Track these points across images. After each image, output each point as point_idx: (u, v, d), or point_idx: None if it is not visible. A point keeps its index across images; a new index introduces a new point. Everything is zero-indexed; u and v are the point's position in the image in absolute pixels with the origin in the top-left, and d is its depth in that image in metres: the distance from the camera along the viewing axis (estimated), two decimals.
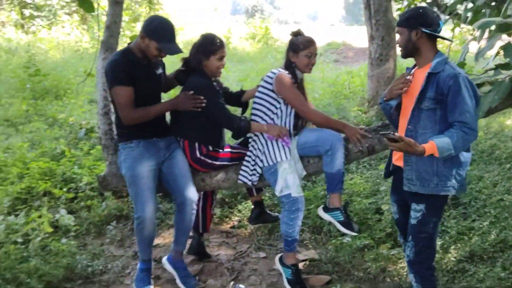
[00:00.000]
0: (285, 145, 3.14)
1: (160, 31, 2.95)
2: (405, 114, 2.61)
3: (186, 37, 14.23)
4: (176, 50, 2.99)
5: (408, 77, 2.58)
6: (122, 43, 5.59)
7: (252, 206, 3.74)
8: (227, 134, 3.37)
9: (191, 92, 3.09)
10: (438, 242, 3.51)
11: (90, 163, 4.78)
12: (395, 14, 7.00)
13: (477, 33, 3.86)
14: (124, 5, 15.00)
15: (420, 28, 2.47)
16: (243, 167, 3.27)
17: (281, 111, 3.19)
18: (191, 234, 3.56)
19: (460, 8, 5.22)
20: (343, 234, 3.79)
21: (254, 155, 3.23)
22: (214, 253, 3.82)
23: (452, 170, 2.48)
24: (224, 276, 3.50)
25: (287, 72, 3.18)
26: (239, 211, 4.45)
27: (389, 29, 6.73)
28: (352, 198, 4.25)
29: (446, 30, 12.77)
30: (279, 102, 3.18)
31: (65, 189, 4.42)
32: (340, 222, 3.16)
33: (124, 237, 4.03)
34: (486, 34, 3.80)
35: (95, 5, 3.91)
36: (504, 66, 2.98)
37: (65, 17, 15.89)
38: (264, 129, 3.15)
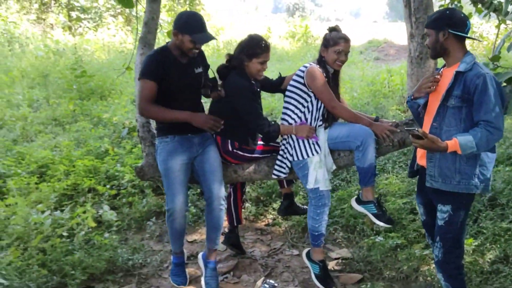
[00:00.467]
0: (315, 141, 3.19)
1: (189, 24, 3.04)
2: (430, 112, 2.64)
3: (226, 36, 14.38)
4: (208, 38, 3.09)
5: (437, 76, 2.60)
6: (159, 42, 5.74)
7: (282, 198, 3.81)
8: None
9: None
10: (474, 243, 3.48)
11: (132, 161, 4.96)
12: None
13: None
14: (167, 6, 15.27)
15: (447, 29, 2.49)
16: (277, 162, 3.34)
17: (312, 104, 3.23)
18: (225, 229, 3.66)
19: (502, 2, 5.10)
20: (376, 233, 3.83)
21: (285, 149, 3.29)
22: (248, 249, 3.92)
23: (475, 169, 2.49)
24: (258, 272, 3.59)
25: (318, 66, 3.22)
26: (274, 209, 4.53)
27: None
28: (387, 198, 4.25)
29: (490, 27, 12.45)
30: (309, 96, 3.22)
31: (108, 186, 4.63)
32: (374, 215, 3.20)
33: (163, 232, 4.18)
34: None
35: (134, 1, 4.04)
36: None
37: (110, 19, 16.37)
38: (292, 132, 3.21)
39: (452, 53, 2.56)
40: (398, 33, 16.94)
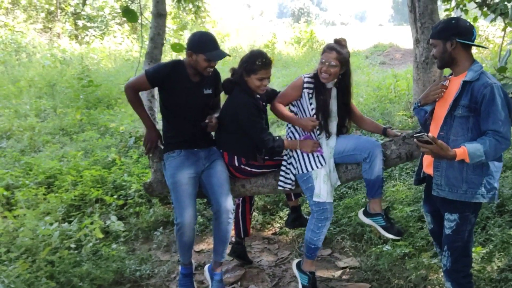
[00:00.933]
0: (319, 154, 3.20)
1: (203, 42, 3.12)
2: (437, 121, 2.63)
3: (232, 43, 14.43)
4: (222, 54, 3.18)
5: (445, 82, 2.60)
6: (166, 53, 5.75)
7: (289, 211, 3.82)
8: None
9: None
10: (482, 251, 3.46)
11: (139, 170, 4.98)
12: (442, 16, 6.87)
13: None
14: (172, 14, 15.34)
15: (455, 38, 2.49)
16: (281, 173, 3.35)
17: (301, 111, 3.26)
18: (233, 238, 3.65)
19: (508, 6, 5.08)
20: (384, 242, 3.81)
21: (289, 162, 3.31)
22: (255, 259, 3.92)
23: (482, 178, 2.48)
24: (265, 282, 3.58)
25: (309, 76, 3.24)
26: (281, 218, 4.52)
27: None
28: (394, 206, 4.23)
29: (496, 30, 12.39)
30: (294, 105, 3.31)
31: (115, 196, 4.65)
32: (383, 227, 3.20)
33: (170, 242, 4.18)
34: None
35: (139, 15, 4.08)
36: None
37: (116, 27, 16.49)
38: (296, 147, 3.23)
39: (460, 62, 2.55)
40: (404, 36, 16.92)
